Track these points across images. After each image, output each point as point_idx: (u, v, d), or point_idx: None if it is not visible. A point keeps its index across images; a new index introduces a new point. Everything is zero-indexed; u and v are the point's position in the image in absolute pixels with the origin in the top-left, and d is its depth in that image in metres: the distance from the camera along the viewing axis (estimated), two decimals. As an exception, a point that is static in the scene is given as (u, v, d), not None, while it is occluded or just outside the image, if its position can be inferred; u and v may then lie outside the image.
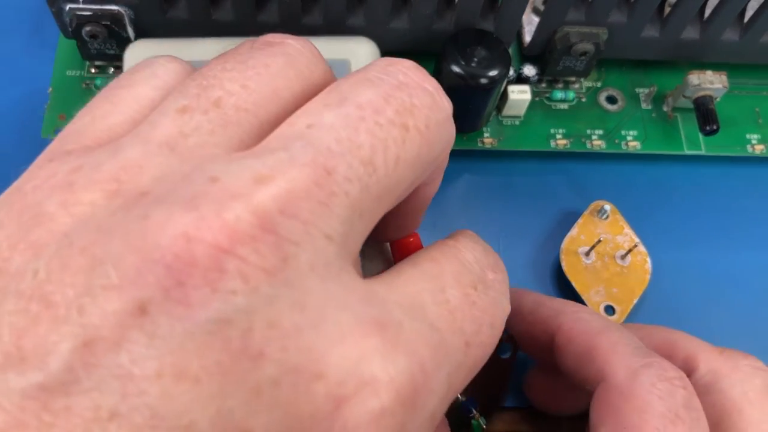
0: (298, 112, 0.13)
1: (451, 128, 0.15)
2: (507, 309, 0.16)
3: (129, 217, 0.11)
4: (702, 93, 0.29)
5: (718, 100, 0.30)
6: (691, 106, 0.30)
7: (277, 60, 0.14)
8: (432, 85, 0.14)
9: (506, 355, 0.23)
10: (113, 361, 0.10)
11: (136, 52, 0.25)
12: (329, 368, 0.11)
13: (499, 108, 0.30)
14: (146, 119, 0.14)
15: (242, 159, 0.12)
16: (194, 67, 0.16)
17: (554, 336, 0.20)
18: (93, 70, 0.29)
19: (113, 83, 0.15)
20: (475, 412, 0.21)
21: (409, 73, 0.14)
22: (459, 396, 0.22)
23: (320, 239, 0.12)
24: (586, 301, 0.27)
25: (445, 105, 0.14)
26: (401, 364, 0.12)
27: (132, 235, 0.11)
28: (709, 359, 0.20)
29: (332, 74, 0.16)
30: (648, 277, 0.28)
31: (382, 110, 0.13)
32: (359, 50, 0.25)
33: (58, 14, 0.26)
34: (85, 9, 0.26)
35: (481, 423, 0.21)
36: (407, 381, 0.12)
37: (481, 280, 0.15)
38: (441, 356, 0.13)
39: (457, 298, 0.14)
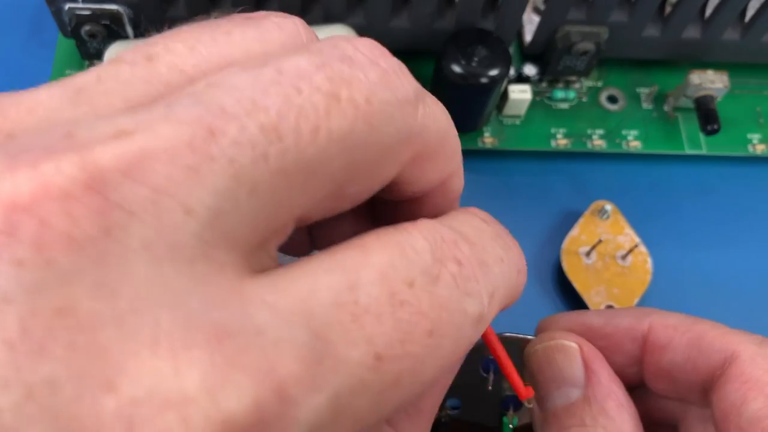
0: (213, 71, 0.11)
1: (409, 118, 0.12)
2: (473, 312, 0.13)
3: None
4: (703, 93, 0.29)
5: (719, 99, 0.30)
6: (692, 105, 0.30)
7: (245, 31, 0.12)
8: (389, 63, 0.12)
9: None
10: None
11: (116, 53, 0.25)
12: (125, 379, 0.09)
13: (500, 107, 0.30)
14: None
15: (118, 113, 0.10)
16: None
17: (646, 338, 0.20)
18: (92, 70, 0.29)
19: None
20: (510, 410, 0.21)
21: (361, 48, 0.12)
22: (504, 388, 0.21)
23: (173, 212, 0.09)
24: (586, 301, 0.27)
25: (403, 87, 0.12)
26: (240, 387, 0.09)
27: None
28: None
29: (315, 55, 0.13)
30: (649, 277, 0.28)
31: (308, 76, 0.11)
32: None
33: (57, 13, 0.26)
34: (84, 8, 0.26)
35: (512, 422, 0.21)
36: (246, 409, 0.09)
37: (428, 273, 0.12)
38: (322, 375, 0.10)
39: (372, 298, 0.11)
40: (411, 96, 0.12)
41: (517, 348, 0.21)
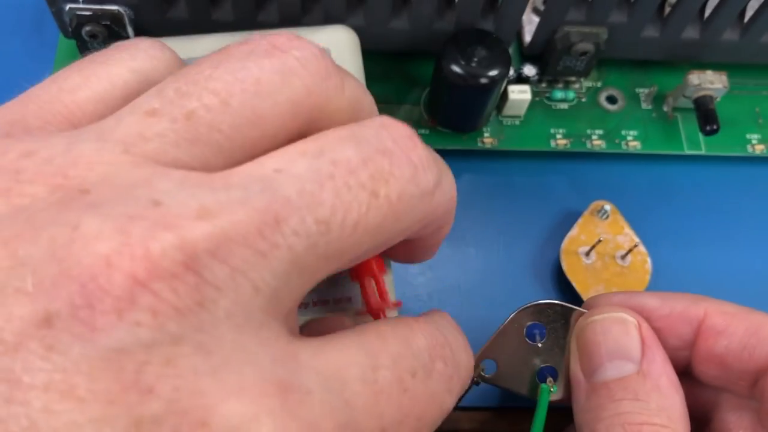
0: (274, 153, 0.13)
1: (426, 205, 0.14)
2: (446, 407, 0.15)
3: (61, 218, 0.11)
4: (702, 93, 0.29)
5: (718, 100, 0.30)
6: (692, 106, 0.30)
7: (273, 77, 0.13)
8: (419, 157, 0.14)
9: None
10: (6, 365, 0.10)
11: None
12: (216, 419, 0.11)
13: (499, 108, 0.30)
14: (114, 114, 0.13)
15: (195, 186, 0.12)
16: (178, 58, 0.16)
17: (702, 322, 0.20)
18: (93, 70, 0.29)
19: (88, 57, 0.15)
20: (550, 378, 0.21)
21: (399, 140, 0.14)
22: (542, 360, 0.21)
23: (246, 289, 0.11)
24: (586, 301, 0.27)
25: (427, 180, 0.14)
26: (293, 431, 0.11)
27: (58, 243, 0.11)
28: None
29: (340, 91, 0.15)
30: (648, 277, 0.28)
31: (356, 172, 0.13)
32: (338, 39, 0.25)
33: (58, 14, 0.26)
34: (85, 9, 0.26)
35: (552, 388, 0.21)
36: None
37: (425, 368, 0.14)
38: None
39: (387, 380, 0.13)
40: (432, 187, 0.14)
41: (560, 315, 0.21)
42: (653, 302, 0.21)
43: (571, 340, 0.21)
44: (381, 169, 0.13)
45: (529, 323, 0.21)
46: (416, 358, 0.14)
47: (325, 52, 0.14)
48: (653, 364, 0.19)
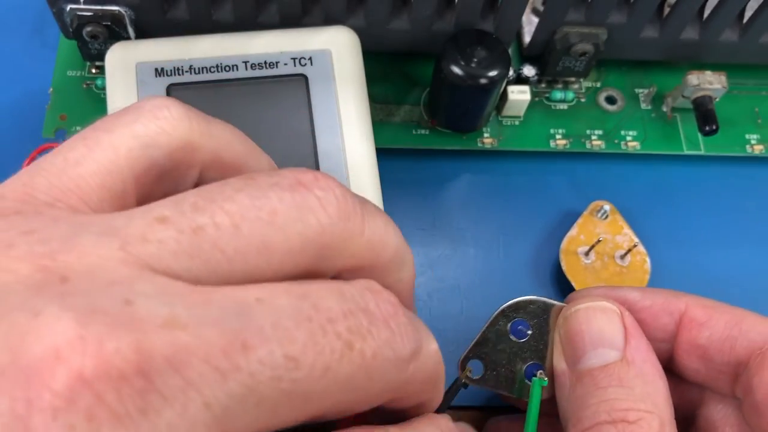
0: (263, 284, 0.13)
1: (401, 372, 0.14)
2: None
3: (29, 303, 0.11)
4: (701, 93, 0.30)
5: (717, 100, 0.30)
6: (691, 106, 0.30)
7: (290, 210, 0.14)
8: (397, 324, 0.14)
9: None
10: None
11: (117, 54, 0.25)
12: None
13: (499, 108, 0.30)
14: (128, 212, 0.13)
15: (173, 296, 0.12)
16: (188, 115, 0.15)
17: (683, 314, 0.20)
18: (94, 71, 0.29)
19: (94, 124, 0.15)
20: (541, 371, 0.21)
21: (381, 304, 0.14)
22: (528, 357, 0.21)
23: (196, 403, 0.11)
24: (585, 301, 0.27)
25: (404, 347, 0.14)
26: None
27: (16, 328, 0.11)
28: None
29: (359, 234, 0.15)
30: (647, 276, 0.28)
31: (335, 321, 0.13)
32: (338, 39, 0.25)
33: (59, 14, 0.26)
34: (86, 9, 0.26)
35: (543, 381, 0.21)
36: None
37: None
38: None
39: None
40: (408, 355, 0.14)
41: (541, 310, 0.21)
42: (634, 295, 0.21)
43: (554, 333, 0.21)
44: (359, 324, 0.13)
45: (513, 320, 0.22)
46: None
47: (349, 194, 0.15)
48: (637, 351, 0.19)
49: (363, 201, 0.15)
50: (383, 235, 0.15)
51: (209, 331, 0.11)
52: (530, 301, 0.22)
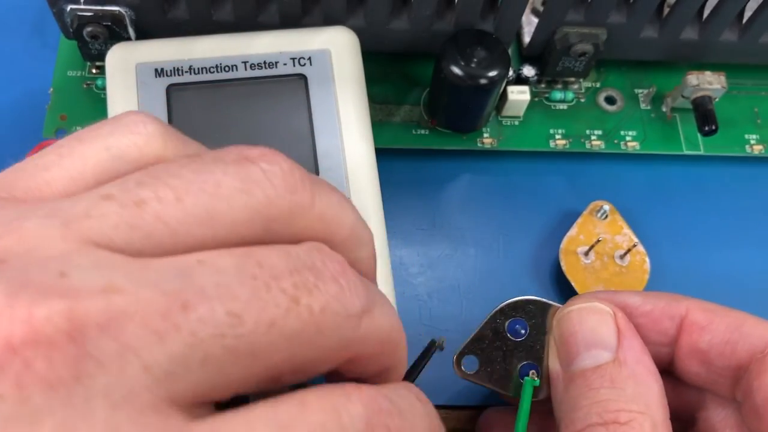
0: (207, 251, 0.13)
1: (352, 330, 0.14)
2: None
3: None
4: (701, 93, 0.30)
5: (716, 100, 0.30)
6: (690, 106, 0.30)
7: (234, 182, 0.13)
8: (346, 280, 0.14)
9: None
10: None
11: (117, 55, 0.25)
12: None
13: (499, 108, 0.30)
14: (77, 195, 0.13)
15: (112, 267, 0.12)
16: (164, 130, 0.15)
17: (684, 318, 0.20)
18: (94, 71, 0.30)
19: (72, 135, 0.15)
20: (533, 371, 0.21)
21: (329, 263, 0.14)
22: (522, 356, 0.22)
23: (134, 367, 0.11)
24: (585, 301, 0.27)
25: (353, 302, 0.14)
26: None
27: None
28: None
29: (308, 207, 0.14)
30: (647, 276, 0.28)
31: (280, 277, 0.13)
32: (338, 40, 0.25)
33: (60, 15, 0.26)
34: (86, 9, 0.26)
35: (535, 381, 0.21)
36: None
37: None
38: None
39: None
40: (358, 310, 0.14)
41: (539, 311, 0.21)
42: (635, 299, 0.21)
43: (549, 335, 0.21)
44: (305, 280, 0.13)
45: (510, 319, 0.22)
46: (345, 428, 0.13)
47: (297, 168, 0.14)
48: (629, 351, 0.19)
49: (314, 177, 0.15)
50: (337, 211, 0.15)
51: (146, 294, 0.11)
52: (529, 301, 0.22)
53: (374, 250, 0.17)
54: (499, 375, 0.21)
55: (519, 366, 0.21)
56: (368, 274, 0.17)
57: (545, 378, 0.21)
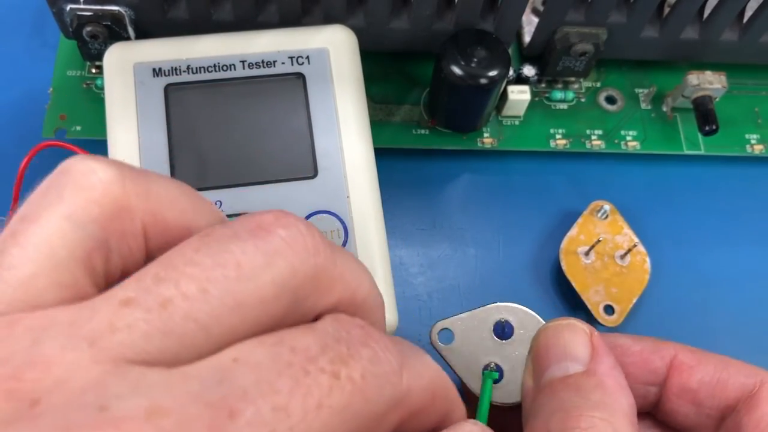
0: (238, 344, 0.12)
1: (396, 386, 0.14)
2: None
3: None
4: (701, 93, 0.30)
5: (717, 100, 0.30)
6: (691, 106, 0.30)
7: (256, 259, 0.13)
8: (375, 341, 0.14)
9: None
10: None
11: (115, 55, 0.25)
12: None
13: (499, 108, 0.30)
14: (91, 302, 0.12)
15: (153, 385, 0.11)
16: (124, 172, 0.14)
17: (674, 358, 0.21)
18: (94, 71, 0.30)
19: (22, 210, 0.14)
20: (493, 363, 0.21)
21: (352, 330, 0.14)
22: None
23: None
24: (585, 301, 0.27)
25: (388, 360, 0.14)
26: None
27: None
28: None
29: (331, 267, 0.14)
30: (647, 276, 0.28)
31: (315, 357, 0.13)
32: (337, 39, 0.25)
33: (59, 14, 0.26)
34: (86, 9, 0.26)
35: (494, 374, 0.21)
36: None
37: None
38: None
39: None
40: (396, 366, 0.14)
41: (532, 326, 0.22)
42: (624, 340, 0.21)
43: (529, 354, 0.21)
44: (339, 353, 0.13)
45: (502, 319, 0.22)
46: None
47: (315, 229, 0.14)
48: (600, 365, 0.19)
49: (329, 240, 0.15)
50: (356, 272, 0.15)
51: (192, 410, 0.11)
52: (526, 314, 0.22)
53: (384, 311, 0.17)
54: (466, 362, 0.22)
55: (487, 363, 0.22)
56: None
57: (512, 384, 0.21)
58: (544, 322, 0.21)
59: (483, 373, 0.21)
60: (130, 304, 0.12)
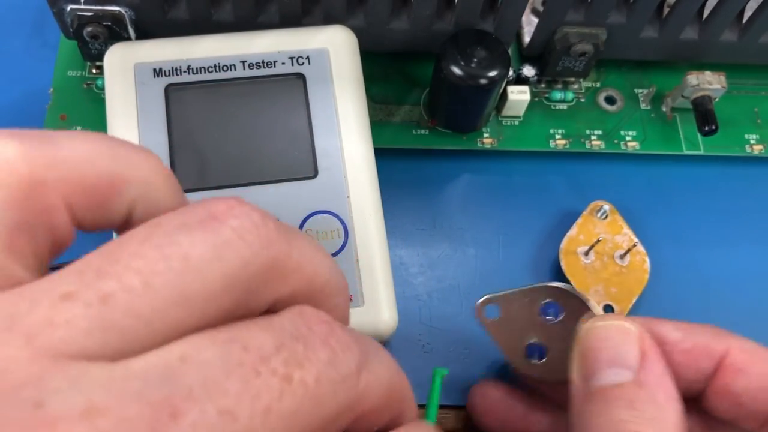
0: (186, 338, 0.12)
1: (351, 389, 0.13)
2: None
3: None
4: (701, 93, 0.30)
5: (716, 100, 0.30)
6: (690, 106, 0.30)
7: (203, 251, 0.12)
8: (336, 340, 0.13)
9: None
10: None
11: (116, 55, 0.25)
12: None
13: (499, 108, 0.30)
14: (29, 293, 0.12)
15: (91, 382, 0.11)
16: (21, 135, 0.13)
17: (723, 358, 0.20)
18: (94, 71, 0.30)
19: None
20: (442, 369, 0.21)
21: (315, 326, 0.13)
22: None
23: None
24: (585, 301, 0.27)
25: (347, 363, 0.13)
26: None
27: None
28: None
29: (286, 258, 0.14)
30: (647, 276, 0.28)
31: (268, 357, 0.12)
32: (336, 39, 0.25)
33: (60, 15, 0.26)
34: (86, 9, 0.26)
35: (444, 371, 0.21)
36: None
37: None
38: None
39: None
40: (354, 369, 0.13)
41: (577, 309, 0.21)
42: (676, 335, 0.20)
43: (574, 339, 0.21)
44: (294, 353, 0.12)
45: (550, 300, 0.22)
46: None
47: (269, 217, 0.13)
48: (651, 374, 0.19)
49: (286, 225, 0.14)
50: (313, 258, 0.14)
51: (132, 409, 0.11)
52: (574, 297, 0.22)
53: (348, 294, 0.17)
54: (510, 338, 0.22)
55: (530, 341, 0.22)
56: (344, 321, 0.16)
57: (551, 362, 0.21)
58: (591, 306, 0.21)
59: (434, 371, 0.21)
60: (70, 298, 0.11)
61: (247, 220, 0.13)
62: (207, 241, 0.12)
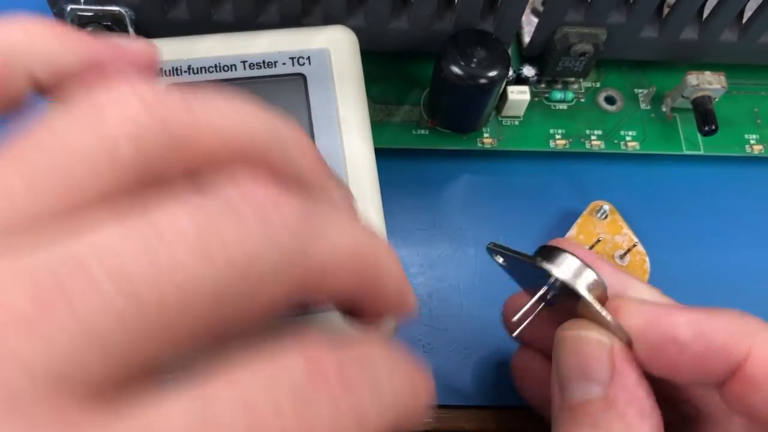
0: (91, 216, 0.11)
1: (299, 266, 0.12)
2: None
3: None
4: (700, 93, 0.30)
5: (716, 100, 0.30)
6: (690, 106, 0.30)
7: (86, 139, 0.11)
8: (279, 213, 0.11)
9: None
10: None
11: None
12: None
13: (499, 108, 0.30)
14: None
15: None
16: None
17: (741, 367, 0.17)
18: (94, 71, 0.30)
19: None
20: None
21: (250, 197, 0.11)
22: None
23: (13, 369, 0.09)
24: (585, 301, 0.27)
25: (291, 235, 0.11)
26: None
27: None
28: None
29: (177, 128, 0.12)
30: (647, 276, 0.28)
31: (187, 234, 0.11)
32: (337, 39, 0.25)
33: (60, 15, 0.26)
34: (87, 9, 0.26)
35: None
36: None
37: (302, 395, 0.11)
38: None
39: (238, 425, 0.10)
40: (301, 243, 0.12)
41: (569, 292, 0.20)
42: (687, 335, 0.18)
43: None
44: (219, 228, 0.11)
45: (557, 293, 0.20)
46: (281, 413, 0.10)
47: (158, 88, 0.12)
48: (621, 390, 0.18)
49: (187, 89, 0.13)
50: (230, 115, 0.13)
51: (18, 292, 0.10)
52: (566, 285, 0.19)
53: (312, 150, 0.15)
54: (520, 280, 0.22)
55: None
56: (313, 171, 0.15)
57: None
58: (582, 295, 0.19)
59: None
60: None
61: (130, 96, 0.12)
62: (88, 126, 0.12)
